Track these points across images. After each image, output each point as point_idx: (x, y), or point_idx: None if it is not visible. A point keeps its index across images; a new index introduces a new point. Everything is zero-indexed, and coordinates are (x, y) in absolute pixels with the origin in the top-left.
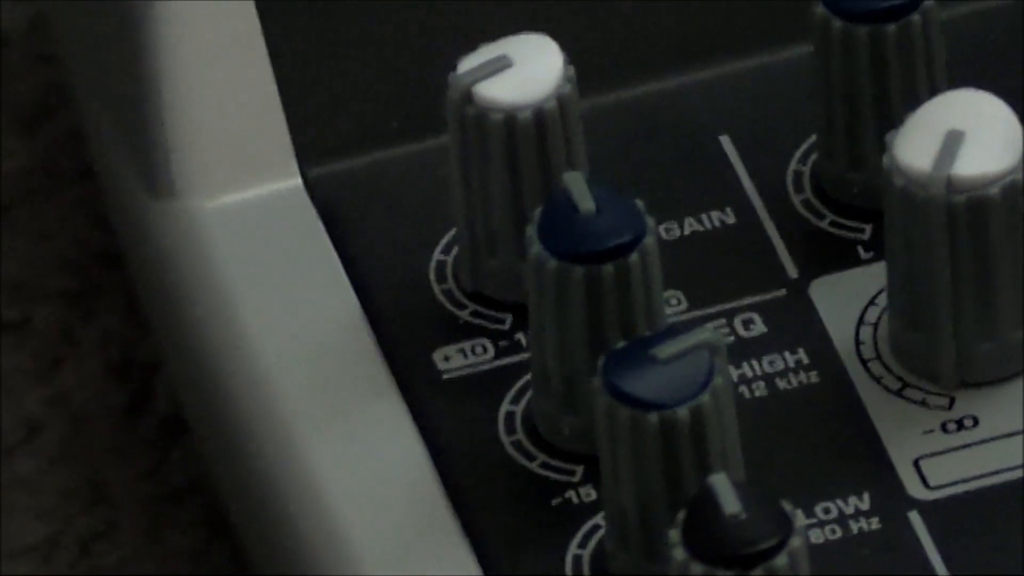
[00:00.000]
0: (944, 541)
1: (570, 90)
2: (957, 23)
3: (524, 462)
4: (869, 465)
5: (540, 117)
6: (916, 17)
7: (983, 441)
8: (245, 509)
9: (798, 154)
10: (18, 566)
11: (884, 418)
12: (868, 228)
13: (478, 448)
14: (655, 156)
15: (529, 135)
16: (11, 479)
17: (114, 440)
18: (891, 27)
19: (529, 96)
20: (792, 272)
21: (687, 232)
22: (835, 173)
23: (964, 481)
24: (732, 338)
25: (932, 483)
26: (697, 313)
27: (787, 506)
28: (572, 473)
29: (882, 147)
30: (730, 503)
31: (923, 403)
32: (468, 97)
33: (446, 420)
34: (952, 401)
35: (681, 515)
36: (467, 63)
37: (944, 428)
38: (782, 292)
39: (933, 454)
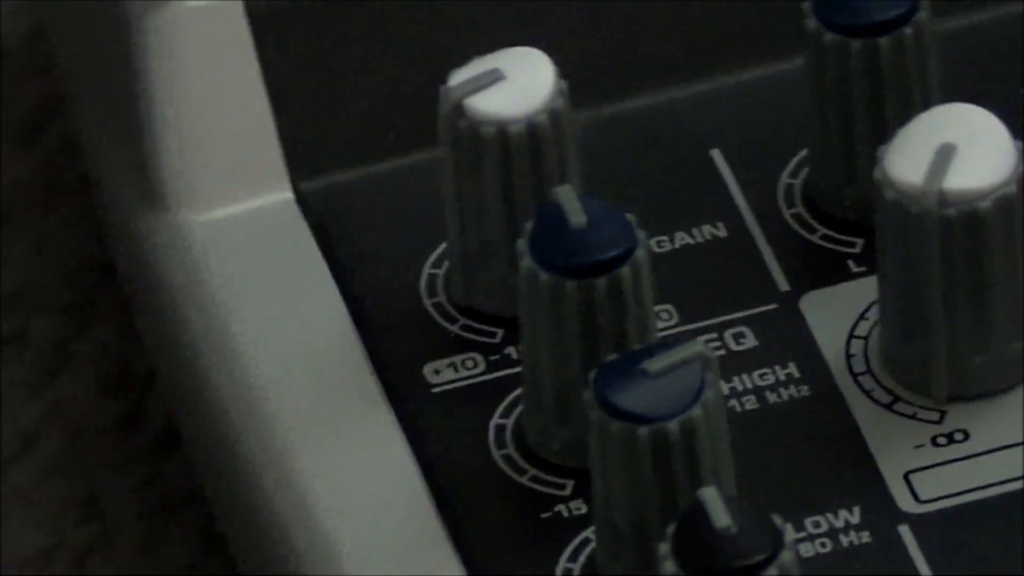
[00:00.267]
0: (934, 555)
1: (562, 104)
2: (949, 37)
3: (514, 476)
4: (859, 479)
5: (532, 130)
6: (908, 31)
7: (973, 455)
8: (237, 522)
9: (789, 168)
10: None
11: (875, 432)
12: (859, 242)
13: (468, 462)
14: (647, 170)
15: (521, 148)
16: (7, 491)
17: (109, 453)
18: (884, 40)
19: (521, 109)
20: (783, 286)
21: (678, 246)
22: (826, 187)
23: (954, 495)
24: (723, 352)
25: (922, 497)
26: (688, 327)
27: (777, 520)
28: (562, 487)
29: (874, 161)
30: (720, 517)
31: (914, 417)
32: (460, 110)
33: (437, 433)
34: (943, 415)
35: (671, 529)
36: (459, 76)
37: (934, 442)
38: (773, 306)
39: (923, 468)
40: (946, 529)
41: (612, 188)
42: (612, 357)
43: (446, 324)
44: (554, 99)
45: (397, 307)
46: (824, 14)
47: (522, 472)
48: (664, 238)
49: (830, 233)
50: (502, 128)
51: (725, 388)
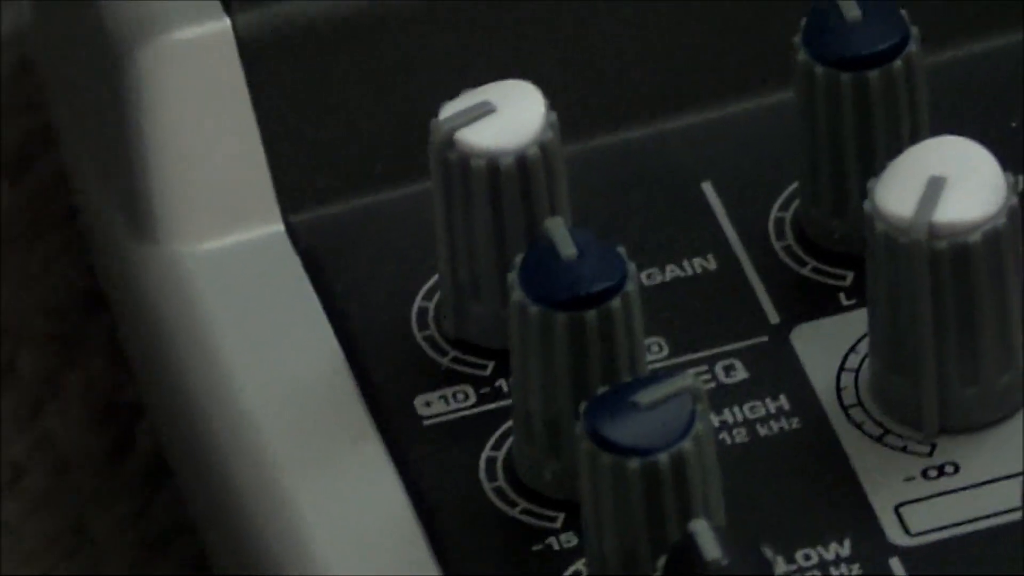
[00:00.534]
0: None
1: (552, 136)
2: (939, 69)
3: (505, 508)
4: (850, 511)
5: (523, 163)
6: (899, 64)
7: (964, 488)
8: (228, 555)
9: (780, 201)
10: None
11: (865, 464)
12: (850, 275)
13: (459, 494)
14: (637, 202)
15: (512, 181)
16: None
17: (98, 485)
18: (874, 73)
19: (512, 142)
20: (774, 318)
21: (669, 278)
22: (817, 220)
23: (945, 528)
24: (713, 384)
25: (913, 530)
26: (679, 359)
27: (768, 552)
28: (553, 519)
29: (864, 193)
30: (711, 549)
31: (904, 449)
32: (450, 143)
33: (427, 466)
34: (933, 447)
35: (662, 561)
36: (449, 109)
37: (925, 475)
38: (764, 338)
39: (914, 500)
40: (937, 562)
41: (603, 221)
42: (603, 389)
43: (437, 356)
44: (544, 132)
45: (388, 339)
46: (814, 47)
47: (513, 505)
48: (655, 270)
49: (821, 266)
50: (492, 161)
51: (716, 421)
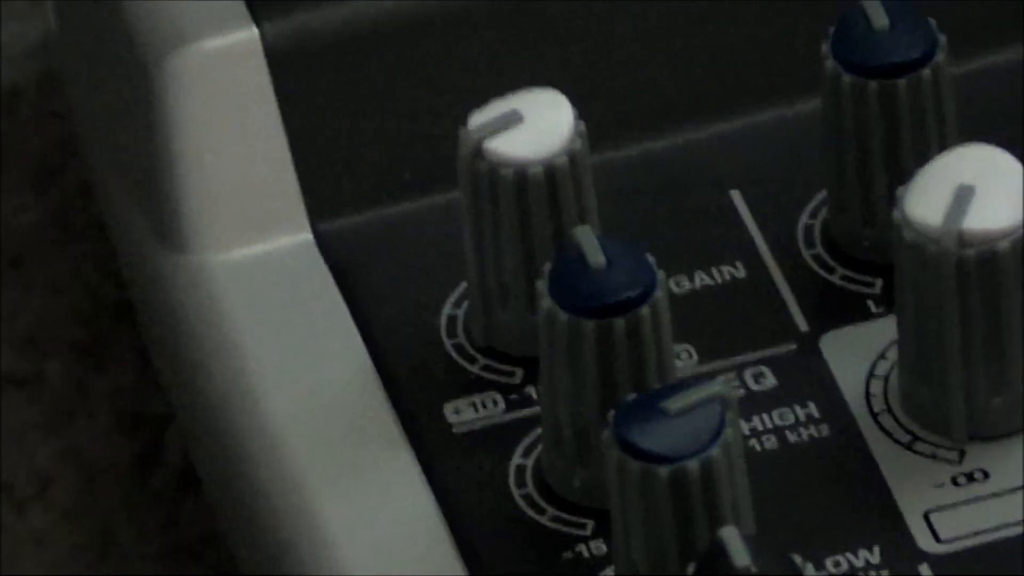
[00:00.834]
0: None
1: (581, 145)
2: (968, 78)
3: (535, 516)
4: (879, 518)
5: (551, 172)
6: (927, 72)
7: (993, 495)
8: (256, 563)
9: (808, 208)
10: None
11: (894, 471)
12: (879, 282)
13: (489, 502)
14: (666, 211)
15: (540, 190)
16: (22, 532)
17: (125, 494)
18: (902, 82)
19: (540, 151)
20: (803, 326)
21: (698, 286)
22: (845, 228)
23: (974, 535)
24: (743, 391)
25: (943, 536)
26: (708, 367)
27: (797, 559)
28: (583, 527)
29: (892, 201)
30: (740, 556)
31: (933, 456)
32: (479, 152)
33: (457, 474)
34: (962, 454)
35: (691, 568)
36: (478, 118)
37: (955, 481)
38: (793, 346)
39: (944, 507)
40: (966, 569)
41: (631, 229)
42: (631, 397)
43: (466, 364)
44: (573, 141)
45: (417, 347)
46: (842, 55)
47: (542, 512)
48: (683, 278)
49: (849, 273)
50: (521, 170)
51: (745, 428)
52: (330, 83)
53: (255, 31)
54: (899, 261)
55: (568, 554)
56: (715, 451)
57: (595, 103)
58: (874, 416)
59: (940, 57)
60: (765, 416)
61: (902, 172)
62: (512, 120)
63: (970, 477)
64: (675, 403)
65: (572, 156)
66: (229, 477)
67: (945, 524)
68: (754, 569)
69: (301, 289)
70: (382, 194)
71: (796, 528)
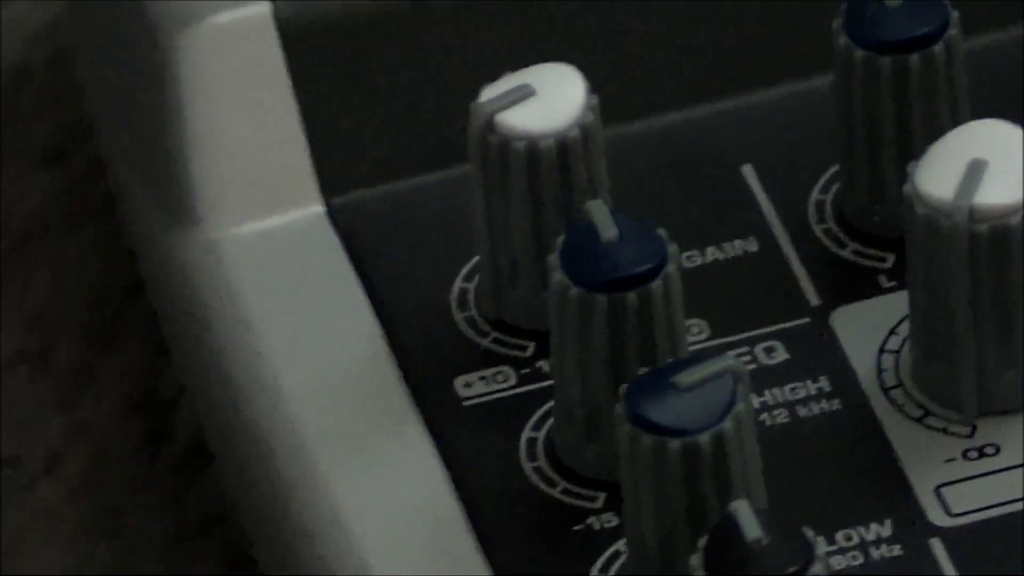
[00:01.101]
0: (966, 568)
1: (593, 119)
2: (980, 53)
3: (546, 488)
4: (890, 492)
5: (563, 146)
6: (939, 47)
7: (1005, 469)
8: (267, 537)
9: (820, 183)
10: None
11: (905, 445)
12: (890, 257)
13: (500, 474)
14: (677, 185)
15: (552, 164)
16: (32, 510)
17: (134, 472)
18: (914, 57)
19: (552, 125)
20: (814, 300)
21: (709, 260)
22: (857, 202)
23: (986, 508)
24: (754, 366)
25: (954, 510)
26: (719, 341)
27: (809, 533)
28: (594, 500)
29: (904, 176)
30: (752, 529)
31: (944, 431)
32: (491, 126)
33: (468, 447)
34: (974, 429)
35: (703, 541)
36: (490, 92)
37: (965, 455)
38: (804, 320)
39: (955, 481)
40: (978, 542)
41: (643, 203)
42: (643, 371)
43: (477, 338)
44: (585, 114)
45: (428, 321)
46: (854, 31)
47: (553, 485)
48: (695, 253)
49: (861, 248)
50: (532, 143)
51: (756, 402)
52: (342, 57)
53: (267, 6)
54: (910, 236)
55: (579, 527)
56: (726, 425)
57: (607, 78)
58: (885, 391)
59: (952, 32)
60: (776, 390)
61: (914, 147)
62: (524, 94)
63: (981, 451)
64: (687, 377)
65: (584, 129)
66: (240, 451)
67: (956, 498)
68: (765, 542)
69: (313, 263)
70: (394, 168)
71: (807, 502)
